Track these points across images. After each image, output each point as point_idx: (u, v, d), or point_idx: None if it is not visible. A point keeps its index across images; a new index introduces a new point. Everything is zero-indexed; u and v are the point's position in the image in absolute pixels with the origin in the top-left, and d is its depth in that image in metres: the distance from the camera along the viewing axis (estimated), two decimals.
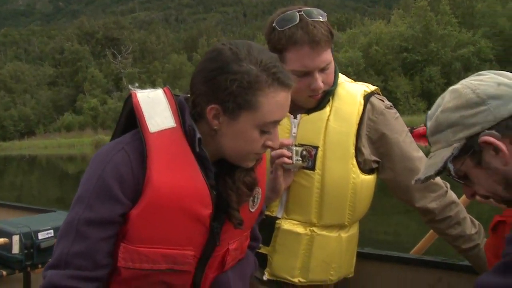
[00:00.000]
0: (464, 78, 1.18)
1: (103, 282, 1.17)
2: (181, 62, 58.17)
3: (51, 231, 2.62)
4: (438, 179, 1.65)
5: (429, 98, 33.93)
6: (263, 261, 1.65)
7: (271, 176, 1.57)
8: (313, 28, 1.49)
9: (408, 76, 35.92)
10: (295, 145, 1.56)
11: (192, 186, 1.16)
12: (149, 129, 1.14)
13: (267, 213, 1.63)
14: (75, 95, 59.92)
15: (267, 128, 1.16)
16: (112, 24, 75.54)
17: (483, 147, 1.05)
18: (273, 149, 1.24)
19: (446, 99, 1.13)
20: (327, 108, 1.61)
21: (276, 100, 1.14)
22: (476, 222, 1.72)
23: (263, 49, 1.19)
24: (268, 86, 1.13)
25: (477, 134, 1.06)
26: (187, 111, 1.18)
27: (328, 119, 1.60)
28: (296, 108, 1.61)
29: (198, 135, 1.16)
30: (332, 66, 1.59)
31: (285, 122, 1.61)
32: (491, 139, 1.03)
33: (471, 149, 1.06)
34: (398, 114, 1.69)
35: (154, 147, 1.13)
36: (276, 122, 1.18)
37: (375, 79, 35.06)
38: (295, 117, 1.62)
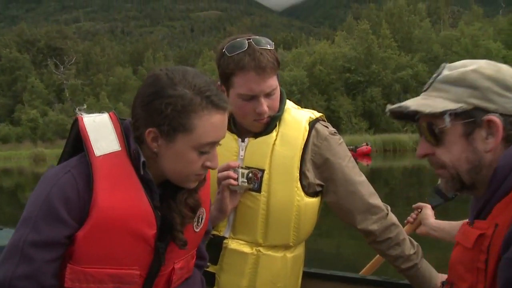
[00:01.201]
0: (403, 99, 1.21)
1: None
2: (126, 76, 57.25)
3: None
4: (379, 202, 1.73)
5: (371, 117, 35.21)
6: (211, 279, 1.68)
7: (218, 196, 1.60)
8: (260, 55, 1.55)
9: (351, 96, 37.06)
10: (242, 168, 1.60)
11: (137, 207, 1.18)
12: (95, 153, 1.17)
13: (214, 232, 1.66)
14: (13, 105, 57.40)
15: (204, 149, 1.19)
16: (55, 33, 73.43)
17: (482, 125, 1.04)
18: (212, 169, 1.25)
19: (482, 64, 1.09)
20: (274, 133, 1.66)
21: (210, 122, 1.17)
22: (415, 243, 1.76)
23: (199, 74, 1.21)
24: (202, 109, 1.15)
25: (487, 111, 1.04)
26: (132, 135, 1.21)
27: (274, 143, 1.65)
28: (244, 132, 1.68)
29: (143, 159, 1.18)
30: (278, 92, 1.64)
31: (233, 145, 1.67)
32: (498, 122, 1.02)
33: (472, 118, 1.04)
34: (342, 140, 1.74)
35: (99, 170, 1.15)
36: (213, 143, 1.20)
37: (319, 98, 36.01)
38: (243, 141, 1.67)
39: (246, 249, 1.67)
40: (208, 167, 1.23)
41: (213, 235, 1.66)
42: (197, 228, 1.33)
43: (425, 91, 1.14)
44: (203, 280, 1.50)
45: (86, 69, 64.66)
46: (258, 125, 1.65)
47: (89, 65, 65.21)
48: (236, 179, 1.58)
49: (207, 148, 1.19)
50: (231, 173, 1.58)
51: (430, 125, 1.08)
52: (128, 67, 62.19)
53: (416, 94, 1.21)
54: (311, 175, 1.67)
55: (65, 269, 1.16)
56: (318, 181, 1.69)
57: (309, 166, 1.67)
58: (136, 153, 1.19)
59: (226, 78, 1.61)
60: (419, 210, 1.87)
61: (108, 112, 1.28)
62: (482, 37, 36.03)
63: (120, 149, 1.20)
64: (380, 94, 35.89)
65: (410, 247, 1.74)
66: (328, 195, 1.71)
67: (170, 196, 1.25)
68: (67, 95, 58.91)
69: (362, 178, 1.74)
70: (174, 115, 1.14)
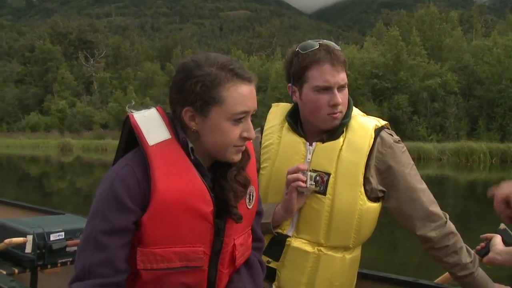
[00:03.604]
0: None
1: (124, 287, 1.27)
2: (153, 71, 57.72)
3: (62, 233, 2.70)
4: (438, 210, 1.78)
5: (396, 125, 34.82)
6: (272, 275, 1.76)
7: (285, 197, 1.70)
8: (333, 50, 1.70)
9: (377, 102, 36.74)
10: (310, 171, 1.69)
11: (192, 187, 1.28)
12: (149, 143, 1.28)
13: (278, 230, 1.77)
14: (43, 95, 58.57)
15: (237, 118, 1.29)
16: (86, 26, 74.60)
17: None
18: (249, 139, 1.34)
19: None
20: (341, 139, 1.74)
21: (238, 92, 1.28)
22: (472, 251, 1.81)
23: (220, 54, 1.34)
24: (228, 81, 1.27)
25: None
26: (179, 124, 1.32)
27: (341, 149, 1.72)
28: (312, 136, 1.78)
29: (191, 145, 1.30)
30: (347, 90, 1.75)
31: (301, 148, 1.76)
32: None
33: None
34: (405, 148, 1.80)
35: (154, 158, 1.26)
36: (245, 113, 1.30)
37: None
38: (310, 145, 1.76)
39: (308, 248, 1.75)
40: (245, 138, 1.33)
41: (277, 233, 1.77)
42: (249, 205, 1.43)
43: None
44: (262, 263, 1.58)
45: (115, 63, 65.46)
46: (330, 122, 1.74)
47: (118, 59, 65.99)
48: (305, 182, 1.67)
49: (241, 117, 1.30)
50: (300, 175, 1.68)
51: None
52: (156, 63, 62.66)
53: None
54: (374, 181, 1.74)
55: (135, 253, 1.27)
56: (380, 187, 1.76)
57: (373, 172, 1.74)
58: (185, 140, 1.30)
59: (299, 75, 1.72)
60: (489, 240, 1.86)
61: (156, 107, 1.38)
62: None
63: (170, 137, 1.31)
64: (407, 101, 35.45)
65: (467, 256, 1.78)
66: (389, 200, 1.78)
67: (220, 177, 1.36)
68: (96, 87, 59.85)
69: (424, 186, 1.81)
70: (204, 91, 1.26)
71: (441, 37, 41.52)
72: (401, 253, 6.61)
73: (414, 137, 32.78)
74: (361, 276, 1.99)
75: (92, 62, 62.58)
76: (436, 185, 17.32)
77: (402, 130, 34.40)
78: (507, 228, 1.82)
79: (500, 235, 1.81)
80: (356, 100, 36.71)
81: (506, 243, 1.78)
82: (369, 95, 37.28)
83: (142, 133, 1.29)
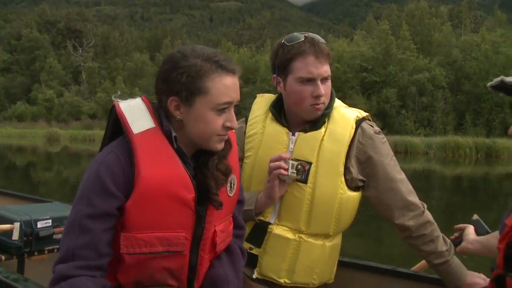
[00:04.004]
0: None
1: (106, 271, 1.32)
2: (143, 61, 57.37)
3: (49, 220, 2.71)
4: (416, 200, 1.83)
5: (384, 118, 35.01)
6: (254, 261, 1.81)
7: (267, 184, 1.75)
8: (317, 42, 1.75)
9: (366, 96, 36.88)
10: (292, 159, 1.74)
11: (175, 174, 1.33)
12: (133, 131, 1.32)
13: (261, 218, 1.82)
14: (30, 85, 57.93)
15: (221, 109, 1.33)
16: (75, 15, 73.79)
17: None
18: (232, 129, 1.39)
19: None
20: (323, 129, 1.78)
21: (222, 83, 1.32)
22: (448, 240, 1.86)
23: (206, 47, 1.38)
24: (213, 72, 1.31)
25: None
26: (163, 114, 1.36)
27: (322, 139, 1.77)
28: (295, 126, 1.82)
29: (174, 134, 1.35)
30: (330, 82, 1.79)
31: (284, 138, 1.81)
32: None
33: None
34: (385, 139, 1.86)
35: (139, 146, 1.31)
36: (229, 104, 1.35)
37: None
38: (293, 134, 1.81)
39: (289, 235, 1.79)
40: (228, 128, 1.37)
41: (259, 220, 1.82)
42: (230, 192, 1.48)
43: None
44: (243, 250, 1.63)
45: (104, 53, 64.96)
46: (313, 113, 1.79)
47: (107, 49, 65.50)
48: (286, 170, 1.72)
49: (224, 108, 1.34)
50: (282, 163, 1.72)
51: None
52: (145, 53, 62.37)
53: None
54: (354, 170, 1.79)
55: (119, 238, 1.32)
56: (360, 177, 1.81)
57: (353, 162, 1.78)
58: (168, 129, 1.35)
59: (284, 66, 1.77)
60: (462, 230, 1.92)
61: (141, 97, 1.43)
62: (504, 44, 35.53)
63: (155, 126, 1.36)
64: (395, 95, 35.65)
65: (443, 244, 1.83)
66: (369, 190, 1.84)
67: (202, 165, 1.41)
68: (84, 77, 59.33)
69: (402, 176, 1.86)
70: (190, 81, 1.31)
71: (431, 32, 41.76)
72: (389, 244, 6.71)
73: (402, 131, 33.00)
74: (341, 264, 2.03)
75: (80, 51, 62.02)
76: (422, 178, 17.47)
77: (390, 124, 34.62)
78: (479, 219, 1.88)
79: (473, 226, 1.88)
80: (345, 93, 36.84)
81: (478, 233, 1.84)
82: (358, 89, 37.41)
83: (127, 122, 1.34)
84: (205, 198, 1.40)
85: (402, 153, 26.68)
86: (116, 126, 1.38)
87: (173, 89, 1.32)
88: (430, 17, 42.78)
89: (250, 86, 37.34)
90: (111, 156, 1.32)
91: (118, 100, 1.39)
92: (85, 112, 48.48)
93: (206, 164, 1.40)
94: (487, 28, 41.67)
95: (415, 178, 17.62)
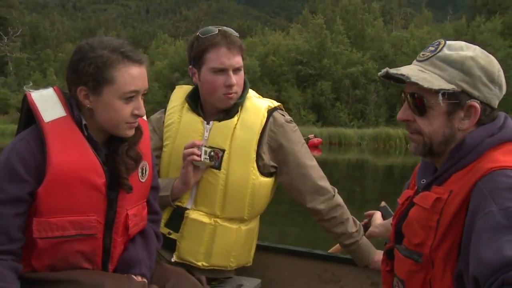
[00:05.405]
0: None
1: (18, 256, 1.35)
2: None
3: None
4: (327, 185, 1.94)
5: (319, 111, 35.85)
6: (172, 245, 1.88)
7: (182, 170, 1.82)
8: (230, 35, 1.83)
9: (301, 88, 37.57)
10: (205, 146, 1.81)
11: (85, 161, 1.39)
12: (44, 120, 1.38)
13: (178, 203, 1.88)
14: None
15: (127, 97, 1.40)
16: None
17: (464, 107, 1.19)
18: (140, 116, 1.45)
19: (478, 53, 1.21)
20: (235, 118, 1.86)
21: (128, 73, 1.39)
22: (357, 222, 1.99)
23: (114, 38, 1.46)
24: (119, 63, 1.38)
25: (471, 97, 1.18)
26: (74, 103, 1.42)
27: (235, 127, 1.85)
28: (210, 116, 1.90)
29: (84, 122, 1.41)
30: (243, 73, 1.88)
31: (199, 126, 1.88)
32: (478, 108, 1.18)
33: (457, 100, 1.18)
34: (296, 128, 1.95)
35: (50, 134, 1.36)
36: (136, 92, 1.41)
37: (270, 88, 36.28)
38: (208, 123, 1.88)
39: (205, 219, 1.87)
40: (136, 115, 1.44)
41: (177, 205, 1.88)
42: (142, 178, 1.55)
43: (420, 61, 1.25)
44: (158, 234, 1.69)
45: (33, 43, 61.94)
46: (225, 102, 1.86)
47: (36, 39, 62.48)
48: (199, 156, 1.79)
49: (131, 96, 1.41)
50: (195, 150, 1.80)
51: (420, 98, 1.22)
52: None
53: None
54: (266, 157, 1.88)
55: (32, 223, 1.35)
56: (272, 163, 1.90)
57: (265, 149, 1.87)
58: (79, 117, 1.41)
59: (198, 57, 1.84)
60: (371, 216, 2.04)
61: (53, 87, 1.48)
62: (430, 41, 37.16)
63: (65, 114, 1.41)
64: (330, 88, 36.56)
65: (352, 226, 1.95)
66: (281, 176, 1.93)
67: (113, 151, 1.47)
68: (11, 68, 56.33)
69: (313, 162, 1.95)
70: (97, 71, 1.37)
71: (364, 27, 43.10)
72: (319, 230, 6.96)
73: (336, 122, 33.98)
74: (260, 248, 2.13)
75: (6, 41, 58.73)
76: (356, 168, 18.14)
77: (324, 116, 35.53)
78: (386, 206, 2.03)
79: (380, 212, 2.02)
80: (280, 85, 37.40)
81: (384, 218, 1.98)
82: (293, 81, 38.04)
83: (39, 110, 1.39)
84: (116, 183, 1.45)
85: (336, 144, 27.47)
86: (29, 116, 1.42)
87: (82, 79, 1.38)
88: (363, 12, 44.15)
89: (187, 78, 36.98)
90: (22, 143, 1.36)
91: (30, 91, 1.44)
92: (14, 105, 46.08)
93: (116, 151, 1.47)
94: (415, 25, 43.63)
95: (349, 168, 18.25)
